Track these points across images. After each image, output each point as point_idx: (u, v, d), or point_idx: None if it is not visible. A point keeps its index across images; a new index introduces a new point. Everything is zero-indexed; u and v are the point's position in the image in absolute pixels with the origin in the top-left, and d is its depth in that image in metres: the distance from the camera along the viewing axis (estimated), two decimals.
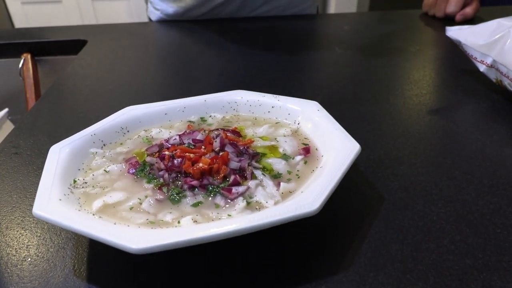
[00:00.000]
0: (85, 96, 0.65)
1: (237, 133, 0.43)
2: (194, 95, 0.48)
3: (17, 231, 0.37)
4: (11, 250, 0.35)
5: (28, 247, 0.36)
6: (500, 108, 0.55)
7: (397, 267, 0.32)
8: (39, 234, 0.37)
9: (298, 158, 0.39)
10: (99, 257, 0.34)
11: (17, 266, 0.34)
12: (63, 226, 0.29)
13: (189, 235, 0.27)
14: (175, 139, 0.40)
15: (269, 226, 0.29)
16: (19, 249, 0.35)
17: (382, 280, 0.31)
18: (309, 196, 0.31)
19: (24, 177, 0.45)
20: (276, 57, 0.76)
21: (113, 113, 0.45)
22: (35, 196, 0.32)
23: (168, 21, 1.01)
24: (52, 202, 0.31)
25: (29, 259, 0.34)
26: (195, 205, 0.34)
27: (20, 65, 0.88)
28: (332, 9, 2.40)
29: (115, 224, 0.30)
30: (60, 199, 0.32)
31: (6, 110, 0.81)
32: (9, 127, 0.80)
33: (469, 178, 0.42)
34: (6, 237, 0.37)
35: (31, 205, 0.38)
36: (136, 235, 0.28)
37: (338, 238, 0.35)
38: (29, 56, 0.89)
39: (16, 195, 0.42)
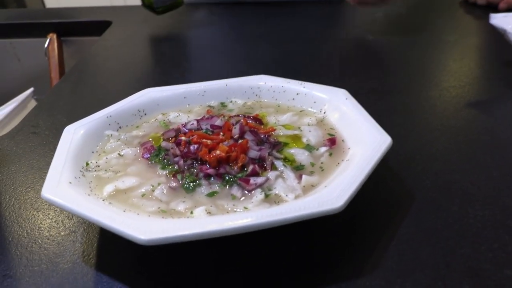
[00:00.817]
0: (106, 78, 0.63)
1: (258, 120, 0.40)
2: (215, 80, 0.46)
3: (30, 212, 0.36)
4: (22, 232, 0.34)
5: (40, 229, 0.35)
6: None
7: (427, 273, 0.29)
8: (51, 217, 0.36)
9: (323, 149, 0.36)
10: (110, 244, 0.32)
11: (26, 248, 0.33)
12: (70, 211, 0.28)
13: (202, 227, 0.25)
14: (193, 124, 0.38)
15: (288, 222, 0.27)
16: (30, 230, 0.34)
17: (411, 287, 0.28)
18: (333, 192, 0.29)
19: (40, 157, 0.44)
20: (303, 43, 0.73)
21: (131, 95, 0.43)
22: None
23: (195, 4, 0.99)
24: (61, 185, 0.30)
25: (39, 242, 0.33)
26: (210, 195, 0.32)
27: (46, 45, 0.88)
28: None
29: (124, 211, 0.28)
30: (70, 182, 0.31)
31: (31, 89, 0.81)
32: (34, 106, 0.80)
33: (509, 179, 0.38)
34: (19, 217, 0.36)
35: None
36: (145, 224, 0.26)
37: (363, 238, 0.32)
38: (54, 36, 0.89)
39: (31, 175, 0.41)
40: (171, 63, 0.68)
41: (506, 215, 0.34)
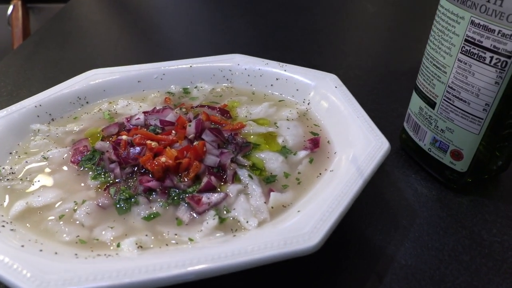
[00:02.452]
0: (62, 54, 0.55)
1: (226, 112, 0.32)
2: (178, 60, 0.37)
3: None
4: None
5: None
6: None
7: None
8: None
9: (302, 153, 0.29)
10: None
11: None
12: None
13: (116, 279, 0.18)
14: (138, 118, 0.30)
15: (242, 268, 0.19)
16: None
17: None
18: (307, 222, 0.21)
19: None
20: (290, 16, 0.64)
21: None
22: None
23: None
24: None
25: None
26: (148, 218, 0.24)
27: (9, 12, 0.79)
28: None
29: (22, 246, 0.21)
30: None
31: None
32: None
33: None
34: None
35: None
36: (42, 271, 0.19)
37: (361, 265, 0.25)
38: (19, 2, 0.79)
39: None
40: (139, 36, 0.59)
41: None
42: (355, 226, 0.27)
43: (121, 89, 0.35)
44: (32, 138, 0.30)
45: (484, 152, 0.29)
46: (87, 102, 0.34)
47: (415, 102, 0.32)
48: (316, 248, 0.20)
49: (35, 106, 0.32)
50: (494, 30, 0.24)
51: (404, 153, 0.34)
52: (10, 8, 0.79)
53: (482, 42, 0.25)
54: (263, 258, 0.20)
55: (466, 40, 0.26)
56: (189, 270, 0.19)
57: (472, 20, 0.25)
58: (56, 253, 0.21)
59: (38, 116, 0.32)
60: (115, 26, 0.63)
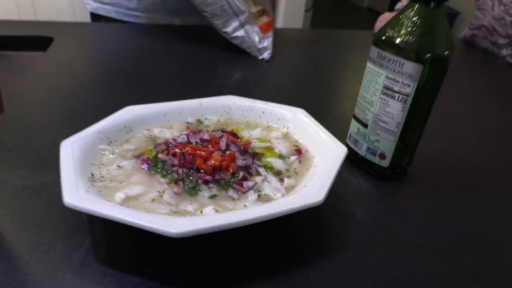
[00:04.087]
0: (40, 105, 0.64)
1: (234, 134, 0.47)
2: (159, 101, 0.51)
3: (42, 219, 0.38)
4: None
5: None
6: None
7: (386, 249, 0.38)
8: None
9: (293, 158, 0.45)
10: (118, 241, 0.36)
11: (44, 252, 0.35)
12: (103, 215, 0.31)
13: (222, 220, 0.32)
14: (184, 138, 0.44)
15: (284, 214, 0.34)
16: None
17: (371, 260, 0.37)
18: (312, 189, 0.37)
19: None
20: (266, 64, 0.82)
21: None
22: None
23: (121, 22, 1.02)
24: (81, 192, 0.34)
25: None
26: (212, 197, 0.38)
27: None
28: (280, 24, 2.52)
29: (147, 213, 0.33)
30: (87, 191, 0.34)
31: None
32: None
33: None
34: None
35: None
36: (172, 221, 0.31)
37: (334, 225, 0.40)
38: None
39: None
40: (123, 86, 0.71)
41: None
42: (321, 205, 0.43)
43: (153, 120, 0.48)
44: (102, 153, 0.42)
45: (397, 154, 0.48)
46: (131, 130, 0.46)
47: (354, 125, 0.50)
48: (323, 201, 0.35)
49: (98, 132, 0.43)
50: (399, 81, 0.43)
51: (348, 159, 0.52)
52: None
53: (393, 87, 0.44)
54: (294, 207, 0.34)
55: (384, 87, 0.45)
56: (252, 217, 0.33)
57: (386, 75, 0.44)
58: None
59: (101, 139, 0.43)
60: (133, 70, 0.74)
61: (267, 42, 0.84)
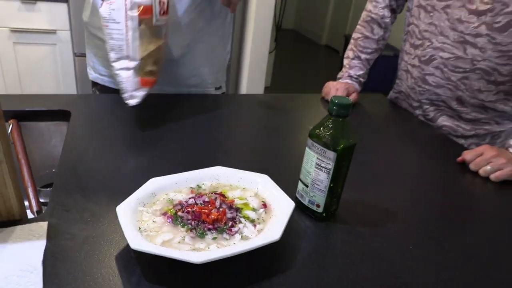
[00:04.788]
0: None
1: (223, 195, 0.73)
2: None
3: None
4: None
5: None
6: None
7: (321, 265, 0.65)
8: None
9: (261, 210, 0.71)
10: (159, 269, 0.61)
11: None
12: (154, 253, 0.56)
13: (227, 251, 0.57)
14: (192, 200, 0.69)
15: (258, 247, 0.60)
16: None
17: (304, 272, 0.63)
18: (274, 231, 0.63)
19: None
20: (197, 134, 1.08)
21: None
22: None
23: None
24: (138, 240, 0.58)
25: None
26: (214, 239, 0.63)
27: (9, 131, 1.06)
28: (244, 90, 2.87)
29: (179, 250, 0.58)
30: (142, 238, 0.59)
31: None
32: None
33: None
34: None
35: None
36: (193, 254, 0.56)
37: (286, 252, 0.66)
38: (15, 121, 1.07)
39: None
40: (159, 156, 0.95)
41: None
42: (279, 241, 0.69)
43: (168, 187, 0.73)
44: (140, 212, 0.66)
45: (327, 204, 0.75)
46: (155, 195, 0.71)
47: (300, 185, 0.77)
48: (279, 239, 0.61)
49: (137, 198, 0.68)
50: (324, 161, 0.71)
51: (297, 207, 0.78)
52: (10, 127, 1.07)
53: (321, 164, 0.71)
54: (262, 243, 0.60)
55: (316, 163, 0.72)
56: (239, 250, 0.58)
57: (317, 157, 0.72)
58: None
59: (139, 203, 0.67)
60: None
61: (140, 93, 0.96)
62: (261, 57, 2.80)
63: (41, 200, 0.91)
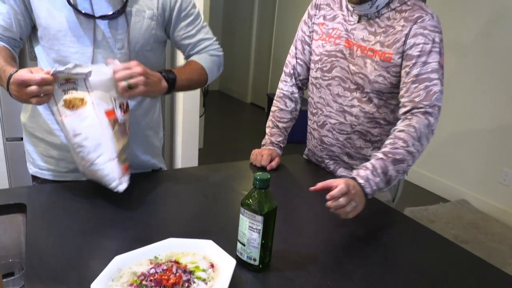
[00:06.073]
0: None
1: (178, 262, 0.90)
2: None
3: None
4: None
5: None
6: None
7: None
8: None
9: (210, 270, 0.88)
10: None
11: None
12: None
13: None
14: (153, 270, 0.85)
15: None
16: None
17: None
18: (222, 286, 0.81)
19: None
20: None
21: None
22: None
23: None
24: None
25: None
26: None
27: None
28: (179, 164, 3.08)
29: None
30: None
31: None
32: None
33: None
34: None
35: None
36: None
37: None
38: None
39: None
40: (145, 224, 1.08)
41: None
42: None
43: (130, 261, 0.88)
44: (111, 286, 0.80)
45: (261, 257, 0.94)
46: (121, 269, 0.86)
47: (238, 244, 0.97)
48: None
49: (106, 275, 0.82)
50: (254, 223, 0.91)
51: (239, 263, 0.97)
52: None
53: (252, 226, 0.92)
54: None
55: (248, 226, 0.93)
56: None
57: (249, 220, 0.92)
58: None
59: (108, 279, 0.82)
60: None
61: (125, 178, 1.11)
62: (193, 125, 3.02)
63: None
